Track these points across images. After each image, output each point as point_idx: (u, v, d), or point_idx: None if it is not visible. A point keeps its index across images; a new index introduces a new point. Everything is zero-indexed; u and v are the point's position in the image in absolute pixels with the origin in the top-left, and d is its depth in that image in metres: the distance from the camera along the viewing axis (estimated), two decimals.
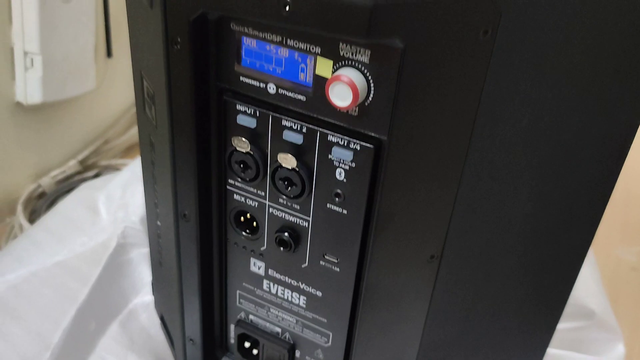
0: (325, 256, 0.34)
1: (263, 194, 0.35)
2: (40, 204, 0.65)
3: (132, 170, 0.57)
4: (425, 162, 0.30)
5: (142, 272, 0.52)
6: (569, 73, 0.30)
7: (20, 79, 0.61)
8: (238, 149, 0.33)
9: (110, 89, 0.73)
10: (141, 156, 0.42)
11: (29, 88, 0.61)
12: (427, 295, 0.35)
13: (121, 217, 0.53)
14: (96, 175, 0.69)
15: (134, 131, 0.78)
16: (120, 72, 0.73)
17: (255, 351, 0.41)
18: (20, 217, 0.62)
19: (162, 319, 0.48)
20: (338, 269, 0.34)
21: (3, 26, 0.58)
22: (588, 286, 0.59)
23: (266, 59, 0.30)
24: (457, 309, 0.38)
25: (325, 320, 0.37)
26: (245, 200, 0.35)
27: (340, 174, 0.31)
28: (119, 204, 0.54)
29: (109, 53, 0.70)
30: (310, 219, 0.34)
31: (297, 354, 0.40)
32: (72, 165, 0.70)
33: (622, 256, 0.68)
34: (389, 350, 0.37)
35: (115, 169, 0.72)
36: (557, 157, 0.33)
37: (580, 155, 0.34)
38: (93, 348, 0.47)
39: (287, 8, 0.27)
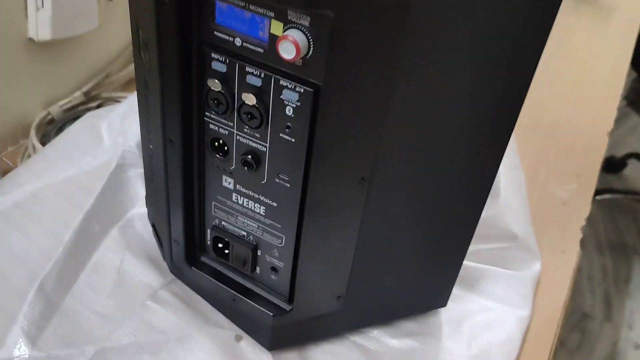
0: (279, 175, 0.44)
1: (232, 124, 0.44)
2: (49, 129, 0.75)
3: (129, 104, 0.66)
4: (353, 103, 0.39)
5: (138, 189, 0.62)
6: (471, 32, 0.39)
7: (32, 18, 0.69)
8: (212, 88, 0.42)
9: (111, 29, 0.81)
10: (137, 92, 0.51)
11: (40, 26, 0.70)
12: (359, 209, 0.45)
13: (120, 142, 0.63)
14: (99, 106, 0.78)
15: (131, 67, 0.87)
16: (119, 14, 0.81)
17: (226, 251, 0.52)
18: (34, 140, 0.71)
19: (153, 226, 0.59)
20: (289, 185, 0.44)
21: None
22: (516, 215, 0.69)
23: (234, 18, 0.39)
24: (385, 222, 0.48)
25: (280, 226, 0.47)
26: (219, 129, 0.45)
27: (289, 111, 0.41)
28: (118, 131, 0.64)
29: None
30: (268, 145, 0.43)
31: (259, 252, 0.50)
32: (77, 96, 0.79)
33: (556, 192, 0.78)
34: (330, 251, 0.48)
35: (116, 100, 0.81)
36: (467, 101, 0.42)
37: (488, 98, 0.43)
38: (97, 247, 0.57)
39: None
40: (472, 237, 0.54)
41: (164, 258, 0.57)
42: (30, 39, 0.70)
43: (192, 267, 0.53)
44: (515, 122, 0.46)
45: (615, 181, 1.95)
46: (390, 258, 0.52)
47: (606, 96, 1.02)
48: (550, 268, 0.67)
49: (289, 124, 0.41)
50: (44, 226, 0.56)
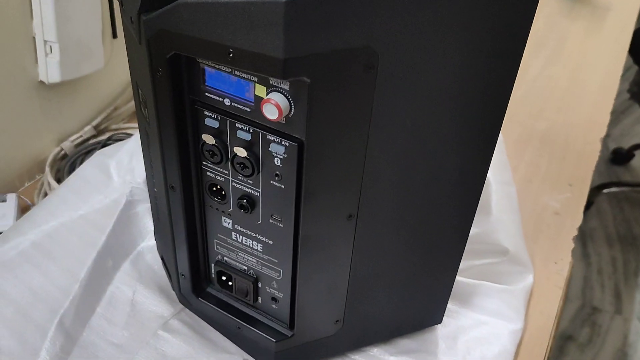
0: (273, 216, 0.48)
1: (227, 172, 0.48)
2: (63, 164, 0.79)
3: (136, 141, 0.71)
4: (334, 152, 0.43)
5: (147, 222, 0.66)
6: (436, 88, 0.42)
7: (42, 63, 0.74)
8: (207, 142, 0.46)
9: (116, 66, 0.85)
10: (140, 140, 0.55)
11: (50, 70, 0.74)
12: (349, 243, 0.49)
13: (129, 180, 0.67)
14: (109, 138, 0.83)
15: None
16: (124, 51, 0.86)
17: (230, 283, 0.56)
18: (48, 176, 0.76)
19: (162, 258, 0.63)
20: (282, 225, 0.48)
21: (25, 19, 0.71)
22: (508, 230, 0.72)
23: (222, 82, 0.43)
24: (375, 250, 0.52)
25: (277, 261, 0.51)
26: (215, 176, 0.49)
27: (277, 161, 0.44)
28: (126, 169, 0.68)
29: (114, 34, 0.82)
30: (260, 191, 0.47)
31: (260, 284, 0.54)
32: (87, 130, 0.84)
33: (549, 203, 0.81)
34: (325, 280, 0.51)
35: (124, 131, 0.86)
36: (443, 133, 0.46)
37: (465, 127, 0.46)
38: (111, 281, 0.62)
39: (231, 55, 0.39)
40: (461, 255, 0.57)
41: (173, 289, 0.61)
42: (41, 82, 0.75)
43: (199, 298, 0.57)
44: (493, 149, 0.49)
45: (623, 173, 1.96)
46: (384, 281, 0.55)
47: (600, 100, 1.04)
48: (542, 279, 0.70)
49: (277, 172, 0.45)
50: (60, 264, 0.60)
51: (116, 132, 0.86)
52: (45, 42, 0.72)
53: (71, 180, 0.69)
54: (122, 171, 0.68)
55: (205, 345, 0.58)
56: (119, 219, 0.64)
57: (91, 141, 0.83)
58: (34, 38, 0.72)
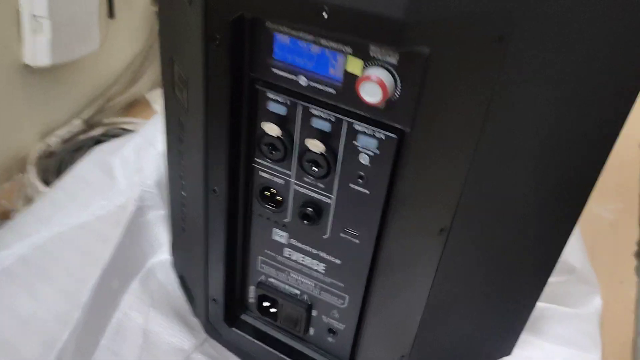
0: (346, 229, 0.38)
1: (289, 173, 0.38)
2: (49, 162, 0.67)
3: (144, 135, 0.59)
4: (441, 151, 0.33)
5: (159, 233, 0.55)
6: (568, 73, 0.33)
7: (29, 42, 0.62)
8: (268, 132, 0.36)
9: (112, 49, 0.74)
10: (167, 131, 0.44)
11: (38, 51, 0.62)
12: (434, 262, 0.39)
13: (137, 181, 0.56)
14: (102, 134, 0.71)
15: (134, 89, 0.80)
16: (121, 32, 0.74)
17: (273, 310, 0.45)
18: (32, 176, 0.64)
19: (181, 278, 0.52)
20: (358, 241, 0.38)
21: None
22: (570, 244, 0.64)
23: (298, 54, 0.33)
24: (458, 274, 0.42)
25: (343, 285, 0.41)
26: (272, 177, 0.38)
27: (364, 159, 0.34)
28: (133, 168, 0.57)
29: (110, 14, 0.71)
30: (334, 197, 0.37)
31: (314, 312, 0.44)
32: (76, 124, 0.72)
33: (601, 213, 0.73)
34: (399, 309, 0.41)
35: (119, 126, 0.74)
36: (555, 147, 0.36)
37: (575, 144, 0.37)
38: (117, 305, 0.51)
39: (325, 15, 0.29)
40: (545, 283, 0.48)
41: (196, 315, 0.51)
42: (26, 65, 0.63)
43: (232, 328, 0.47)
44: (603, 164, 0.40)
45: None
46: (460, 310, 0.46)
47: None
48: (610, 301, 0.62)
49: (362, 173, 0.35)
50: (56, 285, 0.49)
51: (110, 127, 0.74)
52: (33, 17, 0.60)
53: (65, 181, 0.57)
54: (128, 171, 0.57)
55: None
56: (127, 230, 0.53)
57: (81, 137, 0.72)
58: (18, 11, 0.60)
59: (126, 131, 0.71)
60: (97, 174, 0.57)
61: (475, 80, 0.30)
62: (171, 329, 0.50)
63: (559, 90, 0.33)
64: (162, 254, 0.55)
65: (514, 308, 0.50)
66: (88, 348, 0.47)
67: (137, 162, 0.57)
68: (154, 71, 0.81)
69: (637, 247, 0.69)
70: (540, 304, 0.58)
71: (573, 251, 0.63)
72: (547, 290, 0.60)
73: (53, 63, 0.63)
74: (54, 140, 0.69)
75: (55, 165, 0.67)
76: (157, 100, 0.80)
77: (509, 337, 0.52)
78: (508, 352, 0.53)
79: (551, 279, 0.61)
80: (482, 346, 0.52)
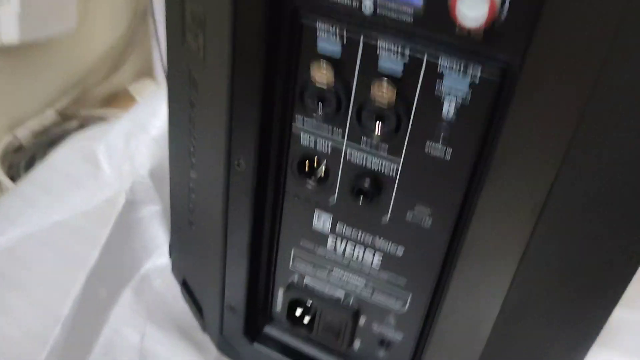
0: (415, 208, 0.29)
1: (340, 134, 0.29)
2: (17, 157, 0.57)
3: (134, 119, 0.50)
4: (552, 98, 0.25)
5: (154, 232, 0.46)
6: None
7: None
8: (316, 80, 0.27)
9: (91, 30, 0.65)
10: (171, 95, 0.35)
11: (4, 26, 0.53)
12: (519, 251, 0.31)
13: (127, 171, 0.46)
14: (79, 128, 0.62)
15: (115, 79, 0.70)
16: (102, 11, 0.65)
17: (306, 319, 0.36)
18: None
19: (185, 284, 0.43)
20: (430, 223, 0.29)
21: None
22: None
23: None
24: (541, 269, 0.34)
25: (405, 282, 0.32)
26: (315, 142, 0.30)
27: (448, 110, 0.26)
28: (122, 156, 0.47)
29: None
30: (401, 164, 0.28)
31: (362, 320, 0.35)
32: (49, 115, 0.62)
33: None
34: (471, 313, 0.33)
35: (98, 119, 0.65)
36: None
37: None
38: (106, 319, 0.41)
39: None
40: (626, 287, 0.40)
41: (204, 329, 0.41)
42: None
43: (254, 343, 0.37)
44: None
45: None
46: (530, 319, 0.37)
47: None
48: None
49: (444, 130, 0.27)
50: (29, 296, 0.39)
51: (87, 119, 0.65)
52: None
53: (37, 174, 0.47)
54: (116, 159, 0.47)
55: None
56: (116, 228, 0.43)
57: (54, 131, 0.62)
58: None
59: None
60: (77, 164, 0.47)
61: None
62: (173, 347, 0.41)
63: None
64: (158, 258, 0.45)
65: (584, 330, 0.42)
66: None
67: (127, 149, 0.48)
68: (138, 59, 0.72)
69: None
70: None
71: None
72: None
73: (22, 40, 0.54)
74: (23, 133, 0.59)
75: (24, 160, 0.57)
76: (141, 93, 0.71)
77: (581, 350, 0.44)
78: None
79: None
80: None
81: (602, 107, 0.24)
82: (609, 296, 0.40)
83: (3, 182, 0.53)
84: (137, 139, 0.48)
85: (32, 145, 0.59)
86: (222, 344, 0.40)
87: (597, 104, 0.24)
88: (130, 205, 0.45)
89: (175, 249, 0.43)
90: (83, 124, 0.63)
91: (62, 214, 0.44)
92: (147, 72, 0.74)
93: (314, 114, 0.29)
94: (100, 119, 0.65)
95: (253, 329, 0.38)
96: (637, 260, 0.37)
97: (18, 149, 0.59)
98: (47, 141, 0.60)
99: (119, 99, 0.71)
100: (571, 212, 0.31)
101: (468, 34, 0.24)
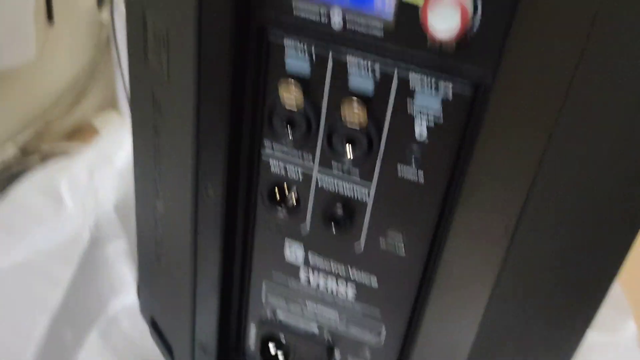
0: (388, 235, 0.28)
1: (310, 159, 0.28)
2: None
3: (97, 152, 0.48)
4: (524, 112, 0.24)
5: (121, 270, 0.44)
6: None
7: None
8: (286, 104, 0.26)
9: (52, 60, 0.63)
10: (134, 121, 0.34)
11: None
12: (494, 275, 0.30)
13: (91, 206, 0.44)
14: (42, 162, 0.60)
15: (78, 112, 0.69)
16: (63, 41, 0.63)
17: (281, 356, 0.35)
18: None
19: (153, 324, 0.40)
20: (404, 250, 0.28)
21: None
22: None
23: None
24: (519, 291, 0.33)
25: (379, 314, 0.31)
26: (285, 169, 0.28)
27: (420, 132, 0.25)
28: (86, 190, 0.45)
29: (49, 16, 0.60)
30: (373, 189, 0.27)
31: (337, 355, 0.33)
32: (9, 151, 0.60)
33: None
34: (449, 340, 0.32)
35: (60, 153, 0.63)
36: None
37: None
38: None
39: None
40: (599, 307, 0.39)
41: None
42: None
43: None
44: None
45: None
46: (509, 342, 0.36)
47: None
48: None
49: (416, 152, 0.26)
50: None
51: (49, 155, 0.62)
52: None
53: None
54: (79, 194, 0.45)
55: None
56: (80, 267, 0.41)
57: (16, 168, 0.60)
58: None
59: None
60: (38, 199, 0.45)
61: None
62: None
63: None
64: (125, 297, 0.43)
65: (565, 340, 0.41)
66: None
67: (91, 182, 0.46)
68: (101, 90, 0.70)
69: None
70: None
71: None
72: None
73: None
74: None
75: None
76: (105, 125, 0.69)
77: None
78: None
79: None
80: None
81: (575, 120, 0.23)
82: (583, 318, 0.39)
83: None
84: (101, 172, 0.46)
85: None
86: None
87: (569, 117, 0.23)
88: (95, 242, 0.43)
89: (143, 287, 0.41)
90: (45, 159, 0.61)
91: (24, 253, 0.42)
92: (110, 103, 0.72)
93: (283, 139, 0.28)
94: (63, 153, 0.63)
95: None
96: (609, 281, 0.37)
97: None
98: (7, 177, 0.58)
99: (82, 132, 0.69)
100: (544, 232, 0.30)
101: (440, 47, 0.23)
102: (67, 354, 0.39)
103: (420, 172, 0.26)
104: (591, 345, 0.49)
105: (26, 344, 0.36)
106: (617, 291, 0.55)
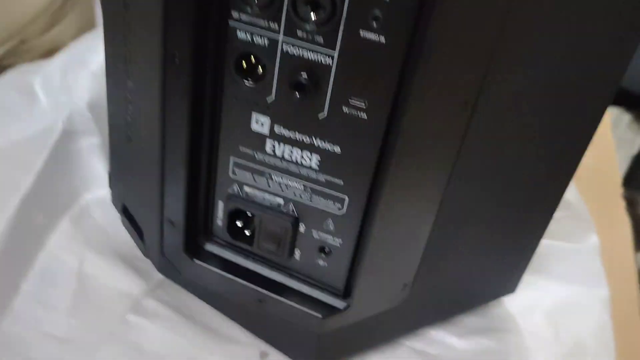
0: (351, 101, 0.30)
1: (276, 26, 0.29)
2: None
3: (71, 53, 0.49)
4: None
5: (94, 165, 0.45)
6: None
7: None
8: None
9: None
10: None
11: None
12: (454, 149, 0.32)
13: (64, 101, 0.45)
14: None
15: (55, 33, 0.69)
16: None
17: (248, 231, 0.36)
18: None
19: (124, 211, 0.42)
20: (366, 116, 0.30)
21: None
22: None
23: None
24: (475, 180, 0.35)
25: (342, 182, 0.32)
26: (252, 37, 0.30)
27: None
28: (60, 87, 0.46)
29: None
30: (336, 54, 0.29)
31: (302, 227, 0.35)
32: None
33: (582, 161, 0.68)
34: (411, 216, 0.33)
35: None
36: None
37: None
38: (42, 245, 0.40)
39: None
40: (553, 213, 0.41)
41: (146, 254, 0.41)
42: None
43: (195, 260, 0.37)
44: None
45: None
46: (467, 235, 0.38)
47: None
48: (605, 239, 0.56)
49: (378, 13, 0.27)
50: None
51: None
52: None
53: None
54: (52, 91, 0.46)
55: (202, 333, 0.38)
56: (52, 156, 0.42)
57: None
58: None
59: None
60: (12, 96, 0.46)
61: None
62: (113, 272, 0.40)
63: None
64: (98, 190, 0.44)
65: (521, 239, 0.43)
66: (4, 294, 0.36)
67: (64, 81, 0.47)
68: (80, 14, 0.70)
69: (621, 189, 0.65)
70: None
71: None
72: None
73: None
74: None
75: None
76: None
77: (514, 273, 0.45)
78: (512, 290, 0.46)
79: None
80: (487, 281, 0.44)
81: None
82: (535, 222, 0.41)
83: None
84: (75, 73, 0.47)
85: None
86: (163, 265, 0.39)
87: None
88: (68, 136, 0.44)
89: (115, 174, 0.42)
90: None
91: None
92: (89, 28, 0.72)
93: (250, 7, 0.29)
94: None
95: (193, 245, 0.37)
96: (552, 190, 0.39)
97: None
98: None
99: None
100: (505, 103, 0.32)
101: None
102: (38, 235, 0.40)
103: (382, 36, 0.27)
104: (552, 251, 0.52)
105: None
106: (581, 206, 0.57)
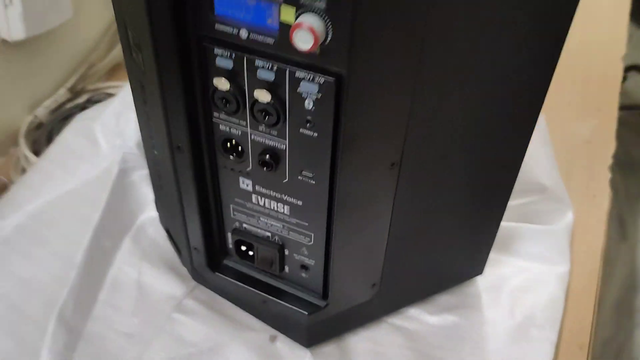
0: (302, 172, 0.40)
1: (245, 123, 0.40)
2: (39, 134, 0.70)
3: (122, 99, 0.62)
4: (380, 90, 0.35)
5: (145, 192, 0.58)
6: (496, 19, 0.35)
7: (2, 17, 0.64)
8: (219, 87, 0.38)
9: (86, 15, 0.76)
10: (133, 95, 0.46)
11: (11, 25, 0.64)
12: (391, 197, 0.42)
13: (118, 144, 0.58)
14: (87, 101, 0.74)
15: (114, 53, 0.82)
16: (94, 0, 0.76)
17: (251, 253, 0.48)
18: (24, 149, 0.67)
19: (168, 231, 0.55)
20: (314, 182, 0.41)
21: None
22: (543, 165, 0.66)
23: (237, 8, 0.35)
24: (418, 202, 0.45)
25: (307, 224, 0.44)
26: (230, 129, 0.41)
27: (308, 104, 0.37)
28: (114, 132, 0.59)
29: None
30: (287, 142, 0.39)
31: (286, 252, 0.47)
32: (62, 94, 0.74)
33: (577, 131, 0.75)
34: (363, 241, 0.44)
35: (103, 91, 0.77)
36: (494, 76, 0.38)
37: (517, 73, 0.39)
38: (111, 263, 0.54)
39: None
40: (507, 200, 0.50)
41: (184, 264, 0.54)
42: (4, 41, 0.65)
43: (216, 272, 0.50)
44: (545, 91, 0.42)
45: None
46: (425, 236, 0.49)
47: (614, 16, 0.97)
48: (582, 215, 0.64)
49: (309, 118, 0.37)
50: (52, 249, 0.52)
51: (95, 93, 0.77)
52: None
53: (52, 151, 0.60)
54: (109, 135, 0.59)
55: (227, 324, 0.51)
56: (113, 191, 0.56)
57: (67, 105, 0.74)
58: None
59: (110, 95, 0.74)
60: (80, 141, 0.59)
61: (406, 19, 0.32)
62: (163, 279, 0.53)
63: (489, 33, 0.35)
64: (150, 211, 0.58)
65: (478, 228, 0.52)
66: (87, 303, 0.51)
67: (117, 126, 0.60)
68: None
69: (612, 160, 0.71)
70: (510, 224, 0.61)
71: (545, 171, 0.65)
72: (519, 210, 0.63)
73: (27, 35, 0.65)
74: (41, 112, 0.72)
75: (44, 136, 0.69)
76: None
77: (479, 257, 0.55)
78: (480, 272, 0.56)
79: (521, 200, 0.64)
80: (453, 267, 0.54)
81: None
82: (488, 212, 0.50)
83: (29, 158, 0.65)
84: (125, 117, 0.60)
85: (50, 122, 0.71)
86: (195, 274, 0.52)
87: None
88: (123, 172, 0.57)
89: (158, 205, 0.55)
90: (91, 97, 0.75)
91: (72, 183, 0.56)
92: None
93: (225, 110, 0.40)
94: (106, 90, 0.77)
95: (214, 262, 0.50)
96: (498, 184, 0.48)
97: (38, 126, 0.71)
98: (61, 116, 0.72)
99: (120, 71, 0.82)
100: (426, 162, 0.42)
101: (307, 54, 0.34)
102: (108, 256, 0.54)
103: (315, 132, 0.38)
104: (525, 234, 0.61)
105: (77, 249, 0.52)
106: (560, 189, 0.65)
